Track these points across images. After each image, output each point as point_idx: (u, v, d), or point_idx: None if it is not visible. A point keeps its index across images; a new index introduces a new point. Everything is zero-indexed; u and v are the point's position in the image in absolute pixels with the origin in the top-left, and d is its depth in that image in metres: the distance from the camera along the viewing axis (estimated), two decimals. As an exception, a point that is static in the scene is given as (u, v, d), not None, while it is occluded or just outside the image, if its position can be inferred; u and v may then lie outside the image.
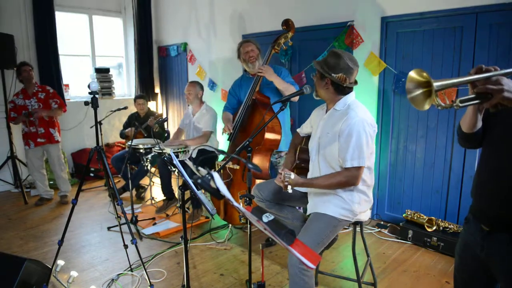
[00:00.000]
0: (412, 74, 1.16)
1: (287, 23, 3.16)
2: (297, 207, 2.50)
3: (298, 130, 2.52)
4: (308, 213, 2.21)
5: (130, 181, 3.88)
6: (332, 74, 2.03)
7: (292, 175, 1.96)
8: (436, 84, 1.10)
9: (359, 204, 2.09)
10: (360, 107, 2.06)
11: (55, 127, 4.33)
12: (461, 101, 1.15)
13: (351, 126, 1.96)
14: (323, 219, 2.05)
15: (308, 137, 2.39)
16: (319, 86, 2.12)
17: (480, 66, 1.16)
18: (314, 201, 2.16)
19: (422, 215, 3.28)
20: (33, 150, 4.26)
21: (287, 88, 3.10)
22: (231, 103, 3.52)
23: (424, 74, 1.13)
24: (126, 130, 4.66)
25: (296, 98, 3.15)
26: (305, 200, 2.30)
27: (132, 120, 4.71)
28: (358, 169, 1.98)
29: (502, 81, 1.09)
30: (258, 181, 3.03)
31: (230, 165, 3.24)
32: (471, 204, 1.46)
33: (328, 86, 2.08)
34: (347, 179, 1.99)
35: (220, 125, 4.17)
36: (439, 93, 1.15)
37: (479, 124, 1.33)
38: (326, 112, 2.18)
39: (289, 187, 1.95)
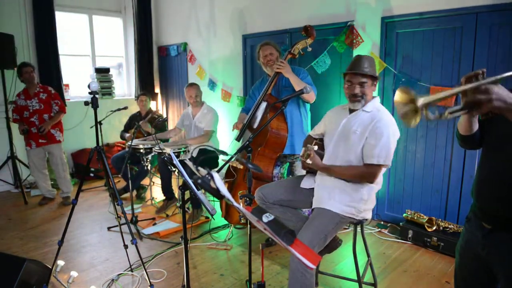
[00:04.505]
0: (397, 95, 1.16)
1: (306, 29, 3.12)
2: (300, 210, 2.49)
3: (310, 132, 2.54)
4: (313, 207, 2.19)
5: (130, 182, 3.88)
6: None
7: (316, 147, 2.06)
8: (420, 100, 1.09)
9: (365, 202, 2.11)
10: (390, 114, 2.14)
11: (56, 127, 4.34)
12: (450, 112, 1.13)
13: (383, 127, 2.03)
14: (326, 215, 2.05)
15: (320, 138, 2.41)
16: (370, 90, 2.15)
17: (469, 74, 1.14)
18: (320, 195, 2.15)
19: (422, 215, 3.28)
20: (34, 151, 4.25)
21: (303, 95, 3.07)
22: (249, 105, 3.48)
23: (408, 92, 1.12)
24: (127, 135, 4.67)
25: (311, 99, 3.12)
26: (309, 202, 2.28)
27: (133, 121, 4.72)
28: (379, 167, 2.03)
29: (491, 90, 1.05)
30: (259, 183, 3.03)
31: (234, 164, 3.23)
32: (472, 203, 1.46)
33: (375, 87, 2.18)
34: (366, 174, 2.04)
35: (222, 124, 4.19)
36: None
37: (475, 126, 1.35)
38: (350, 112, 2.20)
39: (309, 160, 2.05)
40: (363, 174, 2.05)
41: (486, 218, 1.37)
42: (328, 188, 2.14)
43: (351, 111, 2.20)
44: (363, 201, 2.10)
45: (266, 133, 2.99)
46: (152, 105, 6.39)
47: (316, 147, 2.06)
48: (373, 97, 2.19)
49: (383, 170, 2.09)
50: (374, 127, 2.04)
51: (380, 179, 2.16)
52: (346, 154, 2.12)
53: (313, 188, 2.28)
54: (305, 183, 2.33)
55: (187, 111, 4.23)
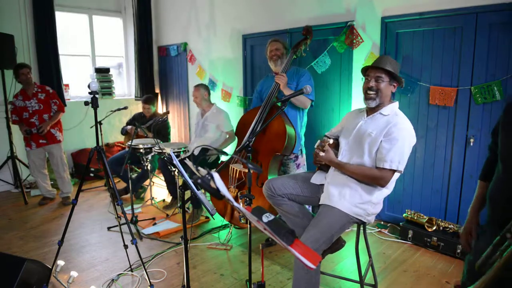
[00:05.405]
0: None
1: (307, 30, 3.17)
2: (307, 206, 2.47)
3: (327, 133, 2.51)
4: (320, 203, 2.18)
5: (130, 182, 3.88)
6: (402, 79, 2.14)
7: (331, 140, 2.08)
8: None
9: (374, 205, 2.10)
10: (407, 120, 2.10)
11: (56, 127, 4.33)
12: None
13: (400, 131, 2.00)
14: (335, 214, 2.04)
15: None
16: (387, 89, 2.12)
17: None
18: (330, 192, 2.13)
19: (422, 215, 3.28)
20: (34, 151, 4.24)
21: (297, 98, 3.08)
22: (255, 105, 3.48)
23: None
24: (128, 127, 4.66)
25: (306, 104, 3.13)
26: (317, 198, 2.26)
27: (136, 120, 4.72)
28: (392, 172, 2.01)
29: None
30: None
31: (241, 168, 3.20)
32: (487, 214, 1.44)
33: (394, 89, 2.15)
34: (377, 177, 2.02)
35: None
36: None
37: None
38: (367, 115, 2.20)
39: (321, 152, 2.08)
40: (374, 176, 2.03)
41: (501, 228, 1.35)
42: (339, 186, 2.11)
43: (368, 114, 2.19)
44: (372, 204, 2.09)
45: (283, 139, 2.96)
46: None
47: (331, 141, 2.06)
48: (392, 101, 2.17)
49: (396, 175, 2.06)
50: (389, 131, 2.01)
51: (392, 185, 2.14)
52: (360, 155, 2.10)
53: (322, 185, 2.26)
54: (316, 179, 2.31)
55: (199, 111, 4.26)
